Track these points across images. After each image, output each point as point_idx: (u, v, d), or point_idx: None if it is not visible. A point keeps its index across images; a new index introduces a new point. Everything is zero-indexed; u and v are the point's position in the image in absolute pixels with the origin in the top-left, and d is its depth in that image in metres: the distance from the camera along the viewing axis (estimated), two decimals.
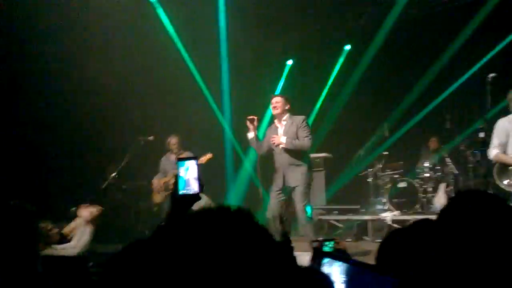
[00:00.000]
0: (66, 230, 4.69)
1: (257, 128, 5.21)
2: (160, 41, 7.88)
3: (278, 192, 5.16)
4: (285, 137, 5.08)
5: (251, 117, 5.16)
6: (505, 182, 4.50)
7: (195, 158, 1.55)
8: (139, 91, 7.88)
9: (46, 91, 7.16)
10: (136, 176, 7.46)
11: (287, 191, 5.18)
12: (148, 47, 7.75)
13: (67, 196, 6.47)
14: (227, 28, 8.40)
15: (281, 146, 5.07)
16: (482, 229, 1.13)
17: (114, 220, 6.74)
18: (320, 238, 2.40)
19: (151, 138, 6.76)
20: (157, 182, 6.85)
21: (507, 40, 7.42)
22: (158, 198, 6.73)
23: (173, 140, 6.82)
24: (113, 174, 6.60)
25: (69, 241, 4.64)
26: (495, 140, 4.64)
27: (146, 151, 6.83)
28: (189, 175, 1.51)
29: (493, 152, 4.63)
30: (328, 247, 2.21)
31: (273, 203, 5.14)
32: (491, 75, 4.51)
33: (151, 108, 8.05)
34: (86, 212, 4.90)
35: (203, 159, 7.11)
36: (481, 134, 4.34)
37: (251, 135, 5.17)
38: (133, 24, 7.35)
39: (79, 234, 4.72)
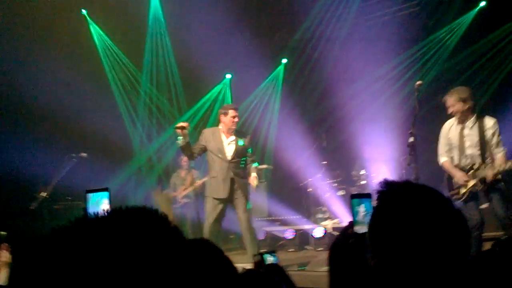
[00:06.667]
0: None
1: (187, 135, 5.20)
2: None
3: (219, 203, 5.21)
4: (254, 174, 5.33)
5: (181, 124, 5.16)
6: (452, 192, 4.51)
7: (106, 189, 1.34)
8: (73, 105, 7.55)
9: None
10: (70, 195, 7.08)
11: (224, 202, 5.23)
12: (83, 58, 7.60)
13: None
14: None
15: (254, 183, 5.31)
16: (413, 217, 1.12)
17: None
18: (261, 251, 2.39)
19: (84, 155, 6.45)
20: (165, 195, 7.81)
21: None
22: (163, 209, 6.61)
23: (185, 158, 7.32)
24: (44, 194, 6.21)
25: None
26: (441, 147, 4.67)
27: (80, 168, 6.52)
28: (100, 208, 1.31)
29: (441, 160, 4.67)
30: (269, 258, 2.18)
31: (213, 215, 5.17)
32: (418, 82, 4.71)
33: (86, 123, 7.71)
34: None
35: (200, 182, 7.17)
36: (411, 139, 4.48)
37: (183, 141, 5.14)
38: (64, 36, 7.13)
39: None
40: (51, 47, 7.20)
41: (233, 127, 5.30)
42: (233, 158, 5.26)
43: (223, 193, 5.19)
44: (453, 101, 4.46)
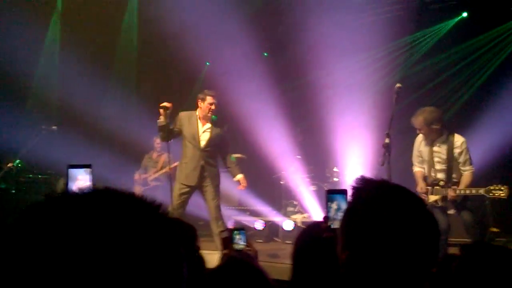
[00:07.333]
0: None
1: (168, 116, 5.21)
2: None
3: (186, 189, 5.23)
4: (241, 175, 5.43)
5: (164, 104, 5.13)
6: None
7: (88, 166, 1.33)
8: (45, 76, 7.33)
9: None
10: (38, 168, 6.94)
11: (191, 188, 5.27)
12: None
13: None
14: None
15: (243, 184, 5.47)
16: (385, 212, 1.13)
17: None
18: (230, 228, 2.37)
19: (54, 128, 6.30)
20: (138, 176, 7.57)
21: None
22: (137, 191, 6.47)
23: (158, 140, 7.18)
24: (9, 165, 6.05)
25: None
26: (414, 157, 4.84)
27: (50, 141, 6.36)
28: (81, 185, 1.29)
29: (413, 169, 4.84)
30: (237, 235, 2.17)
31: (179, 200, 5.20)
32: (398, 85, 4.76)
33: (58, 96, 7.51)
34: None
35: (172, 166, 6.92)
36: (386, 140, 4.54)
37: (162, 122, 5.11)
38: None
39: None
40: (23, 13, 6.93)
41: (209, 115, 5.26)
42: (206, 147, 5.25)
43: (192, 180, 5.23)
44: (419, 124, 4.58)
